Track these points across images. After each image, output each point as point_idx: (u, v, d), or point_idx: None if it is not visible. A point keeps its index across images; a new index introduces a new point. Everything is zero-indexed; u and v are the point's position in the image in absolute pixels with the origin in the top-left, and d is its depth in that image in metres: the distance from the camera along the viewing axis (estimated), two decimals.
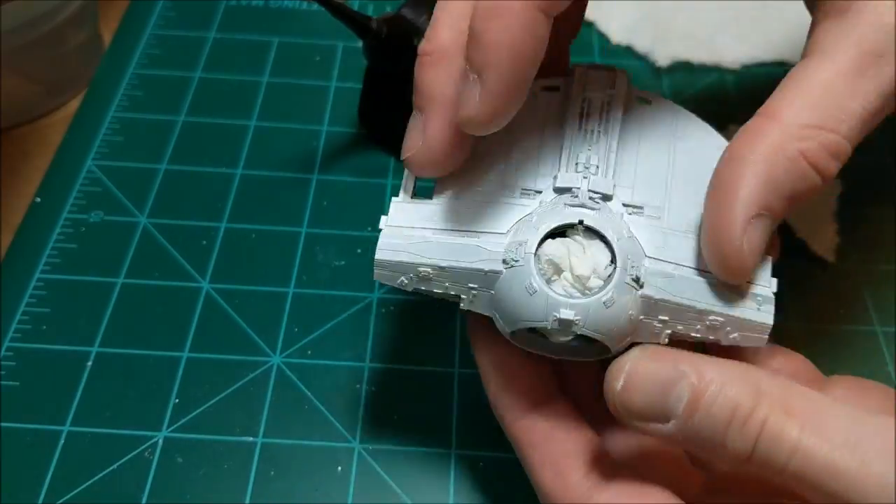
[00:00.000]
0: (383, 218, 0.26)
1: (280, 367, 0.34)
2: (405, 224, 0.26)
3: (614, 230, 0.25)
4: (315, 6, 0.36)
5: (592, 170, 0.26)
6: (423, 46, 0.26)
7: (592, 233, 0.25)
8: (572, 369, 0.28)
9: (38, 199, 0.39)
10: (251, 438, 0.32)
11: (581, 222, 0.25)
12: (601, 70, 0.28)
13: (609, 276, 0.24)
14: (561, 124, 0.27)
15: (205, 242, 0.38)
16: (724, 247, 0.24)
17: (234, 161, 0.41)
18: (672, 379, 0.22)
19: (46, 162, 0.41)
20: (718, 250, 0.24)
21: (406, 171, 0.27)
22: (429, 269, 0.25)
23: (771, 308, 0.26)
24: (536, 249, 0.24)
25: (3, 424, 0.32)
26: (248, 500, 0.30)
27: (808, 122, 0.24)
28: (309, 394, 0.33)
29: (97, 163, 0.41)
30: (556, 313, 0.24)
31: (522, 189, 0.26)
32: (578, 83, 0.28)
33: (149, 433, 0.32)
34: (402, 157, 0.27)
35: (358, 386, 0.34)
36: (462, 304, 0.26)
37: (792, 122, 0.24)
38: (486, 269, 0.25)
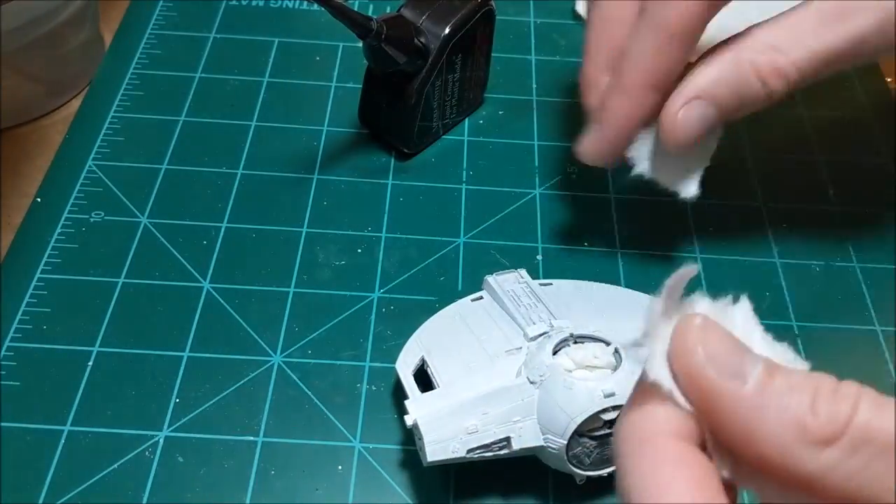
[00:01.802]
0: (408, 417, 0.29)
1: (280, 366, 0.34)
2: (431, 410, 0.29)
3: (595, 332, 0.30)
4: (315, 6, 0.36)
5: (547, 320, 0.31)
6: (581, 78, 0.35)
7: (582, 340, 0.30)
8: None
9: (39, 199, 0.39)
10: (252, 438, 0.32)
11: (571, 334, 0.30)
12: (507, 273, 0.34)
13: (615, 353, 0.29)
14: (503, 309, 0.33)
15: (205, 242, 0.38)
16: (665, 115, 0.31)
17: (235, 161, 0.41)
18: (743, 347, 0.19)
19: (47, 162, 0.41)
20: (663, 118, 0.32)
21: (399, 373, 0.31)
22: (476, 423, 0.28)
23: None
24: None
25: (4, 424, 0.32)
26: (248, 500, 0.30)
27: (765, 42, 0.30)
28: (309, 393, 0.33)
29: (98, 163, 0.41)
30: (601, 390, 0.28)
31: (506, 351, 0.31)
32: (498, 285, 0.33)
33: (149, 432, 0.32)
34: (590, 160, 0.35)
35: (358, 385, 0.34)
36: (514, 444, 0.29)
37: (755, 38, 0.31)
38: (523, 392, 0.29)
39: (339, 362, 0.34)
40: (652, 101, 0.32)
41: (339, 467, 0.31)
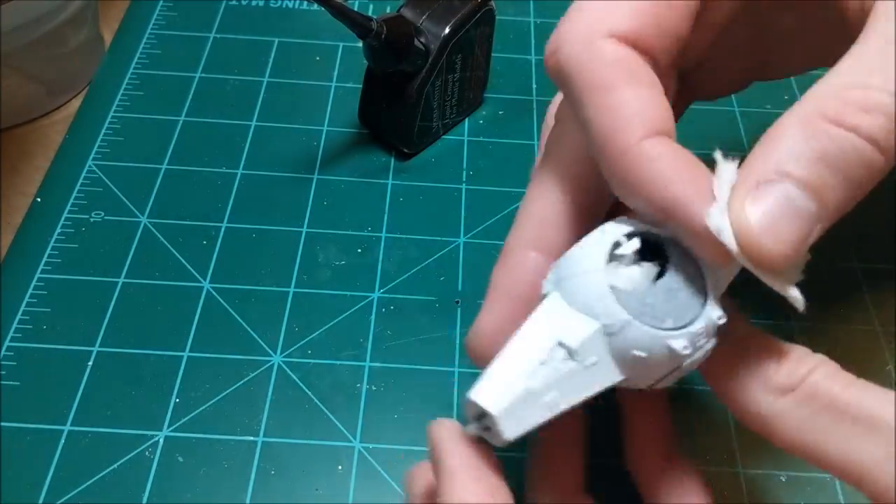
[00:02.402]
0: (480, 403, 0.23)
1: (280, 366, 0.34)
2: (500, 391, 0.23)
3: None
4: (315, 6, 0.36)
5: None
6: (509, 241, 0.26)
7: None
8: None
9: (39, 199, 0.39)
10: (252, 438, 0.32)
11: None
12: None
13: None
14: None
15: (205, 242, 0.38)
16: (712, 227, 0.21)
17: (235, 161, 0.41)
18: None
19: (47, 162, 0.41)
20: (715, 230, 0.21)
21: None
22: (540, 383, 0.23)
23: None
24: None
25: (4, 424, 0.32)
26: (248, 500, 0.30)
27: (850, 83, 0.21)
28: (309, 393, 0.33)
29: (98, 162, 0.41)
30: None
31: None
32: None
33: (149, 432, 0.32)
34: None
35: (358, 385, 0.34)
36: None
37: (833, 83, 0.21)
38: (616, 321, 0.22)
39: (339, 362, 0.34)
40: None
41: (339, 467, 0.31)
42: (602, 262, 0.23)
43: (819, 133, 0.20)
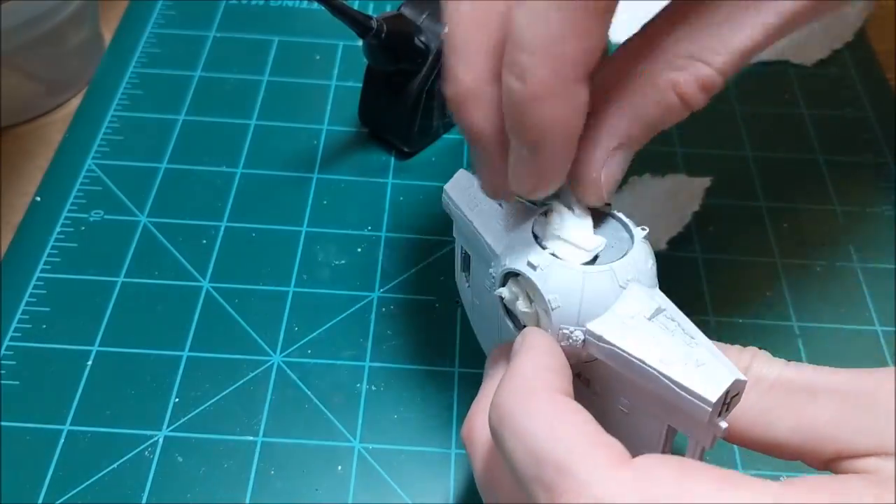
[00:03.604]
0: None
1: (280, 366, 0.34)
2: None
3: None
4: (315, 5, 0.36)
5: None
6: (455, 90, 0.24)
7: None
8: None
9: (39, 198, 0.39)
10: (251, 438, 0.32)
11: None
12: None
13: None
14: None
15: (205, 241, 0.38)
16: (584, 179, 0.24)
17: (235, 160, 0.41)
18: None
19: (47, 161, 0.41)
20: (580, 181, 0.24)
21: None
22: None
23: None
24: None
25: (3, 424, 0.32)
26: (248, 500, 0.30)
27: (684, 53, 0.23)
28: (309, 393, 0.33)
29: (97, 162, 0.41)
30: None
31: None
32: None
33: (149, 432, 0.32)
34: (492, 195, 0.26)
35: (358, 385, 0.34)
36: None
37: (666, 49, 0.23)
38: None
39: (339, 362, 0.34)
40: (585, 97, 0.23)
41: (339, 467, 0.31)
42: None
43: (664, 100, 0.24)
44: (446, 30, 0.24)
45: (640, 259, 0.24)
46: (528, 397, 0.22)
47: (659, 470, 0.19)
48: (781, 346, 0.35)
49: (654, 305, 0.23)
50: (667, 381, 0.21)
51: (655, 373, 0.21)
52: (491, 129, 0.24)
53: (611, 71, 0.24)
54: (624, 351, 0.22)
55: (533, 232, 0.25)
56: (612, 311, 0.23)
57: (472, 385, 0.33)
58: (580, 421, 0.21)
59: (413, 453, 0.32)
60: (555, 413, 0.21)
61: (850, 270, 0.38)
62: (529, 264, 0.24)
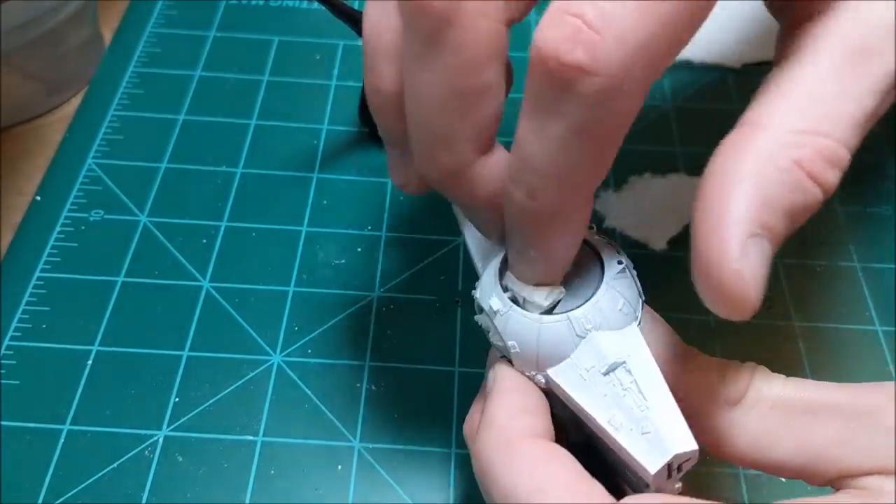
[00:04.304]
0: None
1: (280, 365, 0.34)
2: None
3: None
4: (315, 5, 0.36)
5: None
6: (375, 84, 0.24)
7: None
8: None
9: (39, 198, 0.39)
10: (251, 437, 0.32)
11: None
12: None
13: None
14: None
15: (205, 241, 0.38)
16: (720, 274, 0.20)
17: (235, 160, 0.41)
18: None
19: (47, 160, 0.41)
20: (715, 280, 0.20)
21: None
22: None
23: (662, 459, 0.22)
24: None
25: (3, 423, 0.32)
26: (248, 499, 0.30)
27: (799, 128, 0.21)
28: (309, 393, 0.33)
29: (97, 161, 0.41)
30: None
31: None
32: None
33: (149, 432, 0.32)
34: (396, 186, 0.27)
35: (358, 385, 0.34)
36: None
37: (781, 128, 0.21)
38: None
39: (338, 362, 0.34)
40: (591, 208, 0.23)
41: (339, 467, 0.31)
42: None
43: (793, 180, 0.21)
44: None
45: (606, 303, 0.23)
46: (507, 448, 0.22)
47: None
48: (781, 346, 0.35)
49: (611, 359, 0.22)
50: (614, 442, 0.22)
51: (605, 431, 0.22)
52: (485, 201, 0.24)
53: (725, 158, 0.21)
54: (578, 404, 0.22)
55: (498, 271, 0.25)
56: (570, 361, 0.23)
57: (472, 385, 0.33)
58: (560, 470, 0.21)
59: (413, 453, 0.32)
60: (534, 463, 0.21)
61: (850, 270, 0.38)
62: (490, 307, 0.24)
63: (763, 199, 0.20)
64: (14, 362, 0.33)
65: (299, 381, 0.34)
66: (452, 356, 0.35)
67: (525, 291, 0.24)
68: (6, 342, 0.34)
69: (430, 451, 0.32)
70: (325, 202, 0.40)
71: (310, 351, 0.34)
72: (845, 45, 0.22)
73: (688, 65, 0.46)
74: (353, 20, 0.36)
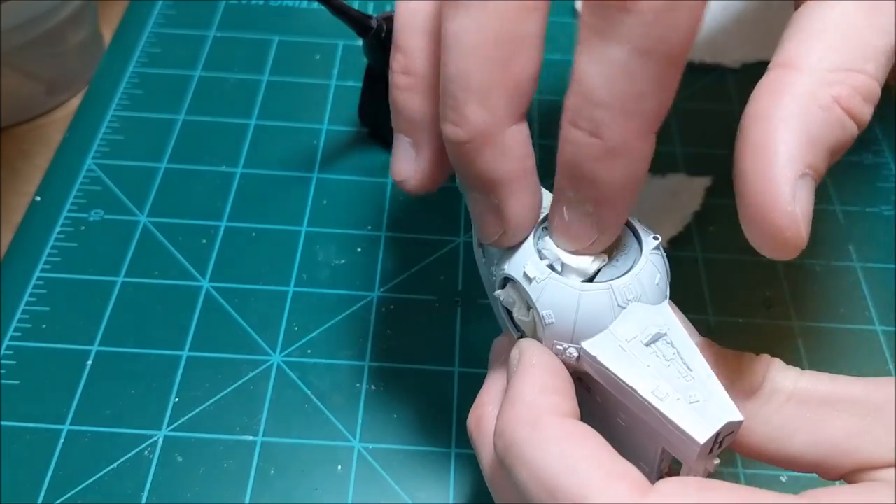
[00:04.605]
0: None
1: (280, 365, 0.34)
2: None
3: None
4: (315, 4, 0.36)
5: None
6: (401, 64, 0.24)
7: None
8: None
9: (38, 198, 0.39)
10: (251, 437, 0.32)
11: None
12: None
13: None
14: None
15: (205, 241, 0.38)
16: (774, 216, 0.20)
17: (235, 160, 0.41)
18: None
19: (46, 160, 0.41)
20: (769, 224, 0.20)
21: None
22: None
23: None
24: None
25: (3, 423, 0.32)
26: (247, 499, 0.30)
27: (835, 65, 0.21)
28: (309, 393, 0.33)
29: (97, 161, 0.41)
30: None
31: None
32: None
33: (149, 432, 0.32)
34: (397, 180, 0.25)
35: (358, 385, 0.34)
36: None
37: (817, 67, 0.21)
38: None
39: (338, 362, 0.34)
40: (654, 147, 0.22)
41: (339, 467, 0.31)
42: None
43: (834, 118, 0.21)
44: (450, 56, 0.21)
45: (646, 276, 0.23)
46: (535, 425, 0.21)
47: (680, 496, 0.19)
48: (781, 346, 0.35)
49: (653, 330, 0.22)
50: (657, 413, 0.21)
51: (647, 404, 0.21)
52: (512, 174, 0.22)
53: (766, 101, 0.22)
54: (617, 376, 0.22)
55: (536, 237, 0.24)
56: (609, 332, 0.22)
57: (472, 385, 0.33)
58: (593, 448, 0.20)
59: (413, 453, 0.32)
60: (566, 441, 0.20)
61: (850, 270, 0.38)
62: (525, 275, 0.23)
63: (808, 139, 0.21)
64: (14, 362, 0.33)
65: (299, 382, 0.34)
66: (452, 356, 0.35)
67: (567, 258, 0.23)
68: (6, 342, 0.34)
69: (430, 451, 0.32)
70: (324, 202, 0.40)
71: (309, 351, 0.34)
72: None
73: (688, 64, 0.46)
74: (353, 20, 0.36)
